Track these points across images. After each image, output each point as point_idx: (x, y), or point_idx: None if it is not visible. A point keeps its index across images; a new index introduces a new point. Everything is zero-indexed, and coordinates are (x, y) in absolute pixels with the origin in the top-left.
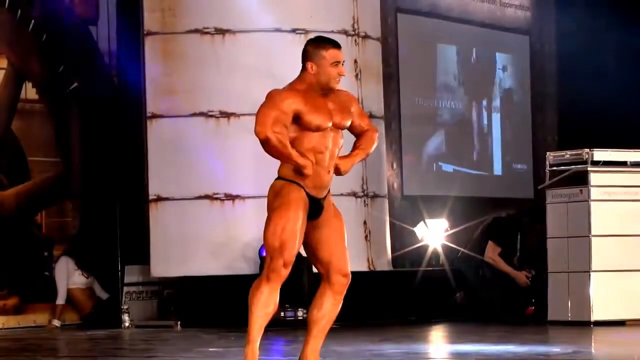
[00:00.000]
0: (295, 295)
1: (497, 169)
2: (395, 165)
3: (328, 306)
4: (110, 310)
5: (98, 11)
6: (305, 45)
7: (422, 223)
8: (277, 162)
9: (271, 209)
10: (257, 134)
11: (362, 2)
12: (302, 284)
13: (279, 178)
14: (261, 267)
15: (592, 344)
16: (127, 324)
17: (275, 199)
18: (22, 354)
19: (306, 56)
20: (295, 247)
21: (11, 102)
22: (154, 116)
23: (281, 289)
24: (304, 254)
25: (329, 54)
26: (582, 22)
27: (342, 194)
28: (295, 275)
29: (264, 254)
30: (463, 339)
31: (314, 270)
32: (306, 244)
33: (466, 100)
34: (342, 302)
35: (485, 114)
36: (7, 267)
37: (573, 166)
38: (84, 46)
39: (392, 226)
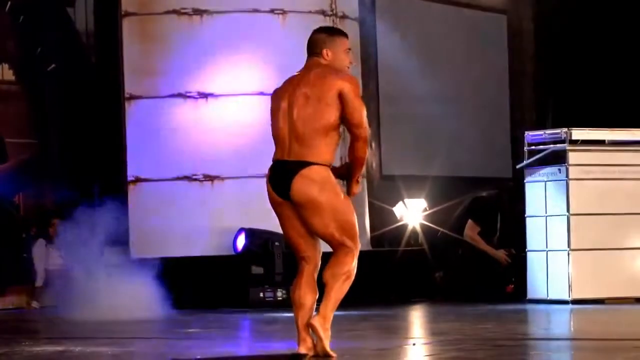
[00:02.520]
0: (270, 277)
1: (476, 149)
2: (374, 145)
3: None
4: None
5: None
6: (317, 33)
7: (401, 203)
8: (257, 142)
9: (342, 200)
10: (363, 135)
11: None
12: (275, 269)
13: (325, 165)
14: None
15: (571, 322)
16: None
17: (338, 188)
18: (1, 336)
19: (319, 44)
20: None
21: None
22: (132, 97)
23: (260, 271)
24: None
25: (343, 41)
26: (560, 0)
27: None
28: (270, 257)
29: (239, 249)
30: (442, 318)
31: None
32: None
33: (444, 79)
34: None
35: (463, 93)
36: None
37: (551, 145)
38: (61, 28)
39: (371, 206)
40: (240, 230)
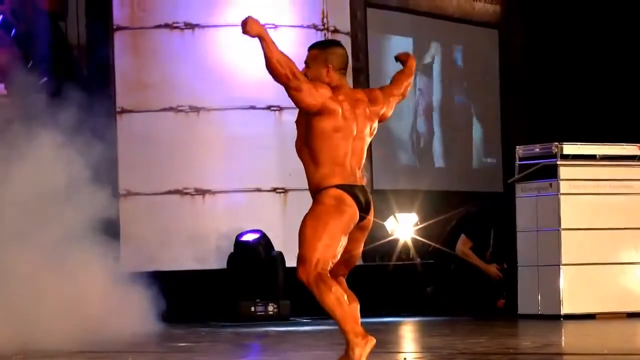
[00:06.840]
0: (269, 290)
1: (467, 163)
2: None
3: None
4: None
5: (67, 6)
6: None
7: (392, 217)
8: (248, 157)
9: None
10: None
11: None
12: (278, 280)
13: None
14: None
15: (562, 337)
16: None
17: None
18: None
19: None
20: None
21: None
22: (124, 111)
23: (256, 284)
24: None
25: None
26: (551, 15)
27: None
28: (270, 271)
29: (246, 239)
30: (434, 332)
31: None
32: None
33: (436, 94)
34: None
35: (455, 107)
36: None
37: (542, 160)
38: (53, 41)
39: None
40: (257, 230)
